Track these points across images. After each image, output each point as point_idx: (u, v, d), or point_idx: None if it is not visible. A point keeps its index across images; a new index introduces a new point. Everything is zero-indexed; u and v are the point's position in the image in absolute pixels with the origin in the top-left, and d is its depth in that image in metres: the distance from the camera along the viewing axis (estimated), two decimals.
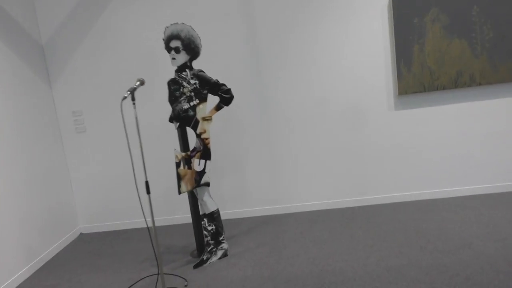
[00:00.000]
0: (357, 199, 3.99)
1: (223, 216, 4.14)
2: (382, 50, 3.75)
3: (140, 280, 3.04)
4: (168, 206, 4.19)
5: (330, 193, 4.01)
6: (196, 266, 3.16)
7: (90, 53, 3.96)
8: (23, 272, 3.35)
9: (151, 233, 3.98)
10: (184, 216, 4.18)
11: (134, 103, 2.51)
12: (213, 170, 4.05)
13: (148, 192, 2.62)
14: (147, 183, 2.61)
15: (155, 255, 3.41)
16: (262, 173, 4.01)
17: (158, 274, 3.07)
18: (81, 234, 4.30)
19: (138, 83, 2.61)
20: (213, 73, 3.88)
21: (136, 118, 2.51)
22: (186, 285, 2.89)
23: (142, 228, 4.22)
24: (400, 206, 3.83)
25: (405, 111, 3.82)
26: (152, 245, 2.83)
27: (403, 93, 3.71)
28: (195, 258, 3.34)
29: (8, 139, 3.36)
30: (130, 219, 4.24)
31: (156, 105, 4.00)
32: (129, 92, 2.52)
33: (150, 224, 4.15)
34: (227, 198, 4.09)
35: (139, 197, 2.49)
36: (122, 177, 4.15)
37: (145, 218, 2.61)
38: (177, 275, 3.06)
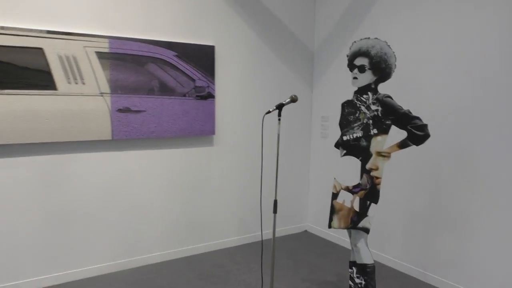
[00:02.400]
0: None
1: (428, 279, 3.28)
2: None
3: None
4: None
5: None
6: None
7: (345, 62, 3.96)
8: (233, 240, 3.99)
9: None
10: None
11: (279, 119, 2.46)
12: (428, 218, 3.24)
13: (274, 211, 2.54)
14: (275, 201, 2.54)
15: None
16: (498, 244, 2.84)
17: None
18: (305, 231, 4.54)
19: (289, 99, 2.50)
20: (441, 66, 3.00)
21: (278, 135, 2.45)
22: None
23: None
24: None
25: None
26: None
27: None
28: None
29: (269, 141, 3.99)
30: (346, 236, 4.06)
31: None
32: (274, 107, 2.48)
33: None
34: (440, 260, 3.19)
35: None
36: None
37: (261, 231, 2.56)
38: None
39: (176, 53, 3.44)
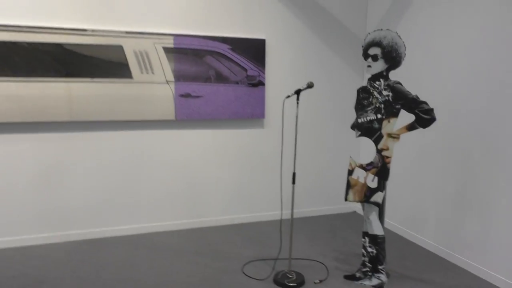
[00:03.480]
0: None
1: (456, 261, 3.39)
2: None
3: (275, 259, 3.44)
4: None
5: None
6: (346, 277, 3.13)
7: None
8: (278, 213, 4.47)
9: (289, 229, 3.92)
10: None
11: (297, 102, 2.87)
12: (456, 203, 3.35)
13: (293, 182, 2.97)
14: (294, 174, 2.96)
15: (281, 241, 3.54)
16: None
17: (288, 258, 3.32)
18: (354, 212, 4.82)
19: (305, 86, 2.88)
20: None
21: (297, 117, 2.87)
22: (316, 282, 3.04)
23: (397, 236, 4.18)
24: None
25: None
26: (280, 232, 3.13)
27: None
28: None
29: (321, 127, 4.38)
30: (392, 219, 4.25)
31: None
32: (293, 92, 2.89)
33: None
34: (468, 242, 3.29)
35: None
36: (403, 179, 4.17)
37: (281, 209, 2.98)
38: (310, 259, 3.20)
39: (230, 47, 3.98)
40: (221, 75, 3.99)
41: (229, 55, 3.99)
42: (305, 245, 3.74)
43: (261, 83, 4.14)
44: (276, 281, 3.01)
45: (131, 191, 3.87)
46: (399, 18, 3.99)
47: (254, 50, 4.06)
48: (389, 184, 4.18)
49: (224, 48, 3.96)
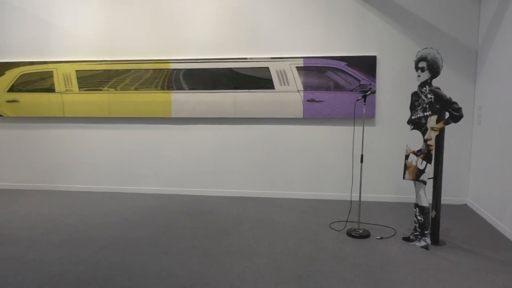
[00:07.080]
0: None
1: (483, 230, 3.79)
2: None
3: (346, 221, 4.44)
4: None
5: None
6: (403, 239, 4.04)
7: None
8: (387, 196, 5.42)
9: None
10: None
11: (364, 104, 4.02)
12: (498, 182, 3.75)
13: (361, 161, 4.11)
14: (362, 156, 4.10)
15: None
16: None
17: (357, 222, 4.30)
18: (465, 205, 5.29)
19: (369, 92, 3.98)
20: None
21: (364, 114, 4.02)
22: (378, 238, 4.08)
23: None
24: None
25: None
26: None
27: None
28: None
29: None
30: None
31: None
32: (361, 97, 4.03)
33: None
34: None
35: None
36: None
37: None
38: (387, 226, 4.18)
39: (346, 63, 5.24)
40: (338, 84, 5.29)
41: (345, 70, 5.26)
42: (395, 219, 4.66)
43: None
44: (347, 233, 4.18)
45: (271, 167, 5.58)
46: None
47: (366, 64, 5.20)
48: (480, 178, 4.63)
49: (341, 65, 5.25)
